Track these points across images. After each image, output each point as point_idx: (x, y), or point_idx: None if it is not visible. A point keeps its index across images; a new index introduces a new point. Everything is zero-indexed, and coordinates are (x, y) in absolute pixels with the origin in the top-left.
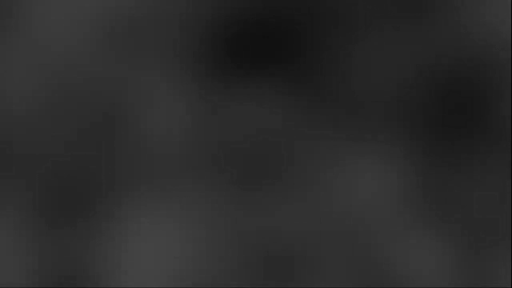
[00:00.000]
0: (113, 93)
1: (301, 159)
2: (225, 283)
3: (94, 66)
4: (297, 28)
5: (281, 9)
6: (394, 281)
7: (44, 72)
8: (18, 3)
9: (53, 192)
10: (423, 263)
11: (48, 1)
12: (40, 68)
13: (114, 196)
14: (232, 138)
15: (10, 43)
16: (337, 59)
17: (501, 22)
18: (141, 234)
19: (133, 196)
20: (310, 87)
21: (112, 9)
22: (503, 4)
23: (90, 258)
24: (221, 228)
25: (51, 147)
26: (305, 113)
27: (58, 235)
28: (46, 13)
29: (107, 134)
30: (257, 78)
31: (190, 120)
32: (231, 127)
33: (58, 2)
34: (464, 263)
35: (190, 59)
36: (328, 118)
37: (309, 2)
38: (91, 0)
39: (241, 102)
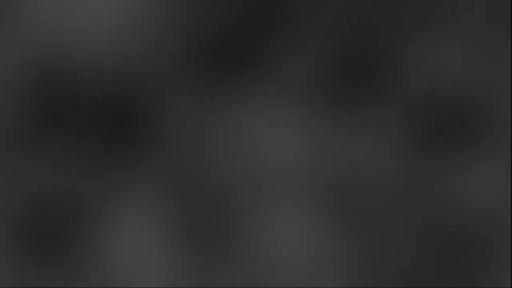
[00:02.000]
0: (116, 93)
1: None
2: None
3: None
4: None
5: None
6: (391, 279)
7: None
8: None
9: (52, 192)
10: (421, 261)
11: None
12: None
13: (109, 196)
14: (232, 139)
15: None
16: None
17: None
18: (136, 234)
19: (130, 196)
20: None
21: (118, 8)
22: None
23: (89, 257)
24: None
25: (48, 146)
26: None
27: (56, 236)
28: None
29: (106, 136)
30: (256, 76)
31: (193, 120)
32: (233, 129)
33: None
34: (463, 262)
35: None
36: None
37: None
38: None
39: (243, 102)
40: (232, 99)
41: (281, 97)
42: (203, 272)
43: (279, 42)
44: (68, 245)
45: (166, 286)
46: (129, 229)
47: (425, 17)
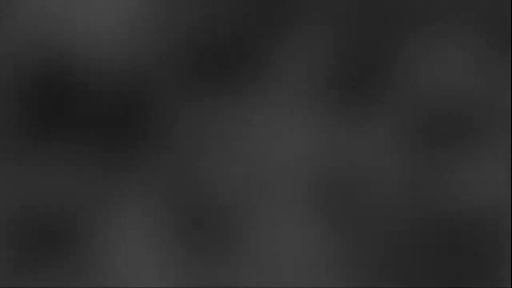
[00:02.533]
0: (116, 93)
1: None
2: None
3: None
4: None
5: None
6: (390, 279)
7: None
8: None
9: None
10: (421, 261)
11: None
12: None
13: (109, 196)
14: (233, 138)
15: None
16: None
17: None
18: (136, 234)
19: (129, 196)
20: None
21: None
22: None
23: (90, 258)
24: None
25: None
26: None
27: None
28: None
29: (106, 139)
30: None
31: (192, 120)
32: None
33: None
34: (463, 262)
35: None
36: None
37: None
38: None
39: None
40: (231, 99)
41: (281, 97)
42: (203, 272)
43: (278, 42)
44: (68, 245)
45: (166, 286)
46: (129, 229)
47: (425, 17)
